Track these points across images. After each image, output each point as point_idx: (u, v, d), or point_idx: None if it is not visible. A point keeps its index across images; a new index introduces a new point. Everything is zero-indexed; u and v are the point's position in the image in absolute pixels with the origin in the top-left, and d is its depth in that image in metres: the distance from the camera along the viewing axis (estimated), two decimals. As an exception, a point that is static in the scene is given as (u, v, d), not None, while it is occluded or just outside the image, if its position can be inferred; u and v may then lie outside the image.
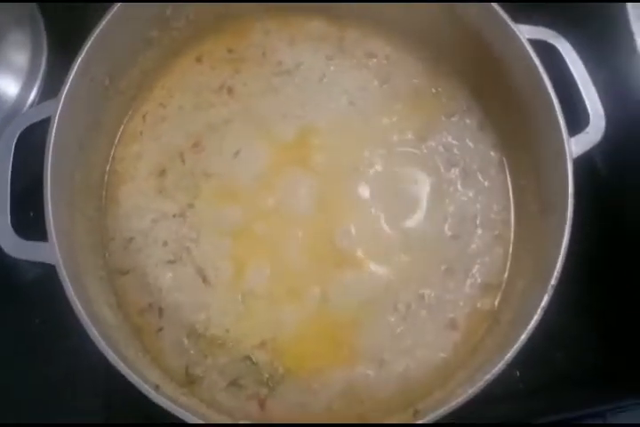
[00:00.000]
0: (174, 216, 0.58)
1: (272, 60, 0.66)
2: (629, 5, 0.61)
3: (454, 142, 0.63)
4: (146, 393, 0.42)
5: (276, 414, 0.52)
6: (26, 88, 0.64)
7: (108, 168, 0.60)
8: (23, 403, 0.61)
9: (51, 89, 0.65)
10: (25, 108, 0.63)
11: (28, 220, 0.51)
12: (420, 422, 0.44)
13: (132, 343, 0.52)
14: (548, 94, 0.55)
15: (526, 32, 0.57)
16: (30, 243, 0.48)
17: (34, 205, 0.49)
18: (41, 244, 0.47)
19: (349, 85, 0.65)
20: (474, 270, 0.58)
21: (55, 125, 0.49)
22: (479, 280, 0.57)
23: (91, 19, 0.73)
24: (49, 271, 0.60)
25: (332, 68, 0.66)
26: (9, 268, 0.66)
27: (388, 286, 0.56)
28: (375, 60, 0.67)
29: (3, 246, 0.47)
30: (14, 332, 0.63)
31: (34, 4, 0.69)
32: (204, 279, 0.56)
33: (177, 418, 0.44)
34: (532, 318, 0.47)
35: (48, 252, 0.46)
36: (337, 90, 0.65)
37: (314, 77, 0.65)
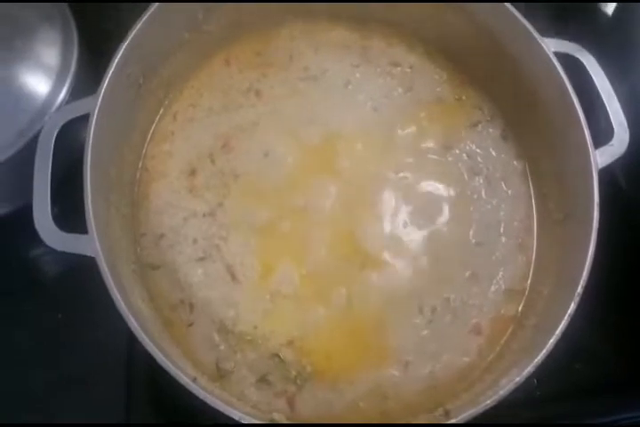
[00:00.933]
0: (204, 215, 0.59)
1: (298, 66, 0.67)
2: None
3: (478, 151, 0.64)
4: (185, 385, 0.42)
5: (304, 411, 0.52)
6: (56, 86, 0.64)
7: (140, 165, 0.61)
8: (44, 399, 0.60)
9: (81, 88, 0.65)
10: (55, 107, 0.63)
11: (65, 212, 0.51)
12: (451, 421, 0.45)
13: (165, 337, 0.52)
14: (575, 108, 0.56)
15: (552, 45, 0.58)
16: (71, 235, 0.48)
17: (70, 198, 0.49)
18: (80, 236, 0.47)
19: (374, 92, 0.66)
20: (498, 277, 0.58)
21: (94, 122, 0.50)
22: (503, 287, 0.58)
23: (121, 18, 0.75)
24: (72, 266, 0.61)
25: (357, 75, 0.67)
26: (30, 263, 0.67)
27: (413, 289, 0.57)
28: (399, 68, 0.68)
29: (45, 239, 0.48)
30: (36, 326, 0.63)
31: (63, 2, 0.69)
32: (233, 277, 0.56)
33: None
34: (559, 323, 0.47)
35: (87, 244, 0.46)
36: (362, 96, 0.66)
37: (339, 83, 0.66)
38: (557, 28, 0.82)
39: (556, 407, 0.62)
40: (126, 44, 0.54)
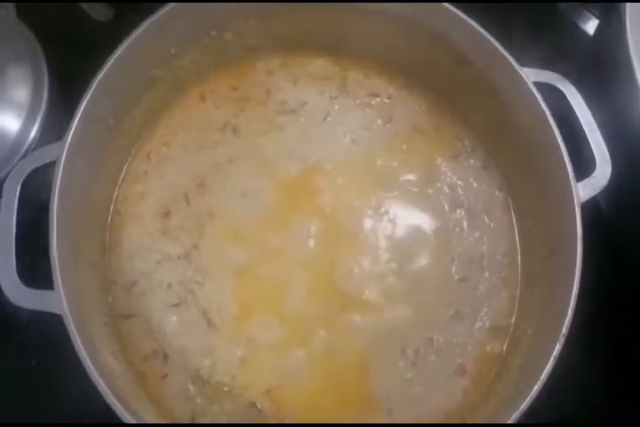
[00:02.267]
0: (179, 258, 0.57)
1: (276, 99, 0.66)
2: (632, 50, 0.61)
3: (459, 183, 0.63)
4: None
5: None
6: (27, 124, 0.63)
7: (111, 209, 0.59)
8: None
9: (52, 125, 0.64)
10: (26, 145, 0.62)
11: (31, 263, 0.50)
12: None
13: (137, 392, 0.50)
14: (556, 140, 0.55)
15: (532, 75, 0.57)
16: (36, 292, 0.46)
17: (37, 246, 0.48)
18: (46, 292, 0.45)
19: (353, 125, 0.65)
20: (482, 314, 0.57)
21: (61, 170, 0.48)
22: (487, 324, 0.57)
23: (93, 54, 0.74)
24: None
25: (335, 107, 0.66)
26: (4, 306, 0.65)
27: (395, 330, 0.56)
28: (378, 99, 0.67)
29: (9, 297, 0.46)
30: (10, 373, 0.61)
31: (34, 39, 0.68)
32: (209, 323, 0.55)
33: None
34: (543, 367, 0.46)
35: (54, 301, 0.44)
36: (341, 129, 0.65)
37: (318, 117, 0.65)
38: (535, 48, 0.82)
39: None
40: (93, 87, 0.52)
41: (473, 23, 0.58)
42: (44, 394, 0.60)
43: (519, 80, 0.57)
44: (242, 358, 0.54)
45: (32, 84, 0.65)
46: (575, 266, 0.50)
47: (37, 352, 0.61)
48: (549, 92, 0.58)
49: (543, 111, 0.56)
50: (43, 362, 0.61)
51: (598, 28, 0.79)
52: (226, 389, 0.53)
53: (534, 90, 0.57)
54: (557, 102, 0.58)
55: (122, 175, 0.60)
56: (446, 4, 0.57)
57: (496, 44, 0.58)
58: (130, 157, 0.61)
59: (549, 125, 0.55)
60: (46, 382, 0.60)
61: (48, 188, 0.49)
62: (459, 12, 0.58)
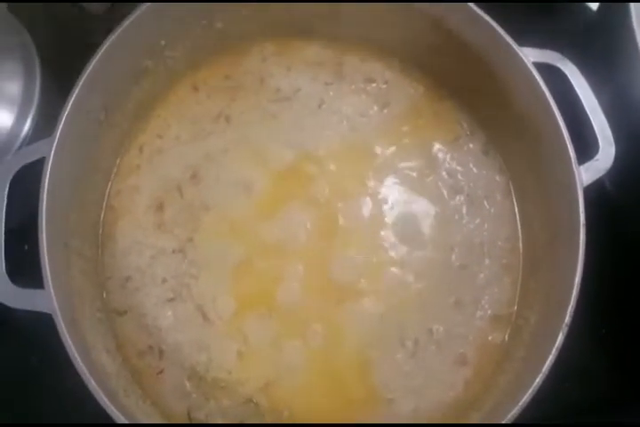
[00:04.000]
0: (173, 252, 0.57)
1: (270, 87, 0.64)
2: (636, 26, 0.59)
3: (458, 168, 0.62)
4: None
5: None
6: (19, 119, 0.62)
7: (104, 204, 0.58)
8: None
9: (45, 119, 0.63)
10: (19, 140, 0.61)
11: (19, 263, 0.49)
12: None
13: (132, 389, 0.50)
14: (557, 122, 0.53)
15: (531, 55, 0.56)
16: (26, 291, 0.46)
17: (27, 244, 0.47)
18: (37, 291, 0.45)
19: (349, 111, 0.64)
20: (483, 302, 0.56)
21: (49, 168, 0.48)
22: (489, 312, 0.56)
23: (86, 47, 0.73)
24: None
25: (330, 93, 0.64)
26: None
27: (393, 321, 0.55)
28: (374, 84, 0.65)
29: (-2, 296, 0.46)
30: (5, 373, 0.61)
31: (25, 32, 0.67)
32: (205, 318, 0.54)
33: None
34: (546, 358, 0.45)
35: (44, 300, 0.44)
36: (337, 116, 0.64)
37: (313, 104, 0.64)
38: (535, 26, 0.79)
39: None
40: (82, 80, 0.51)
41: (469, 3, 0.56)
42: (40, 393, 0.60)
43: (518, 61, 0.55)
44: (238, 353, 0.53)
45: (24, 77, 0.64)
46: (578, 253, 0.49)
47: (33, 351, 0.61)
48: (549, 71, 0.56)
49: (543, 92, 0.54)
50: (38, 361, 0.61)
51: (602, 5, 0.76)
52: (222, 384, 0.52)
53: (534, 70, 0.55)
54: (558, 82, 0.56)
55: (114, 169, 0.60)
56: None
57: (493, 23, 0.56)
58: (122, 151, 0.60)
59: (550, 107, 0.54)
60: (42, 381, 0.60)
61: (36, 185, 0.48)
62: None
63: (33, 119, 0.62)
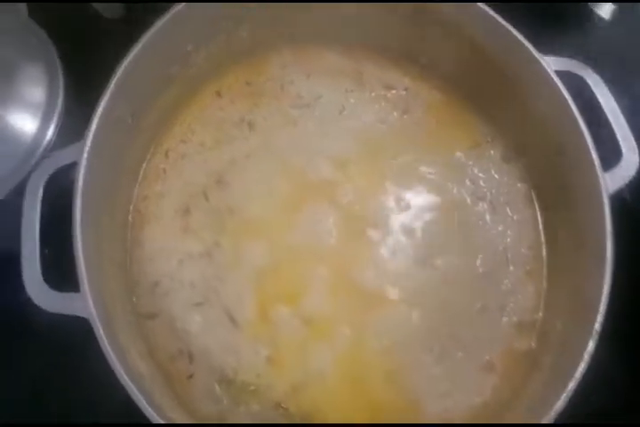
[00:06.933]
0: (200, 256, 0.57)
1: (291, 94, 0.65)
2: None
3: (480, 175, 0.62)
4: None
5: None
6: (43, 124, 0.62)
7: (131, 208, 0.58)
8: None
9: (69, 125, 0.63)
10: (43, 145, 0.61)
11: (54, 264, 0.49)
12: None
13: (166, 392, 0.50)
14: (580, 130, 0.54)
15: (553, 64, 0.56)
16: (62, 295, 0.46)
17: (60, 247, 0.47)
18: (73, 295, 0.45)
19: (369, 118, 0.65)
20: (508, 308, 0.56)
21: (82, 171, 0.48)
22: (514, 319, 0.56)
23: (106, 51, 0.74)
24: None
25: (351, 100, 0.65)
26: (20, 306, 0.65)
27: (421, 326, 0.55)
28: (394, 91, 0.66)
29: (35, 300, 0.45)
30: (32, 375, 0.60)
31: (47, 38, 0.67)
32: (233, 321, 0.55)
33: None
34: (577, 364, 0.45)
35: (80, 303, 0.44)
36: (357, 123, 0.64)
37: (333, 110, 0.65)
38: (550, 35, 0.80)
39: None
40: (111, 86, 0.51)
41: (489, 10, 0.57)
42: (67, 395, 0.60)
43: (540, 69, 0.56)
44: (266, 357, 0.53)
45: (47, 83, 0.64)
46: (605, 260, 0.49)
47: (60, 353, 0.61)
48: (566, 77, 0.57)
49: (566, 101, 0.55)
50: (66, 364, 0.60)
51: (614, 13, 0.77)
52: (252, 388, 0.52)
53: (556, 79, 0.56)
54: (576, 89, 0.57)
55: (141, 174, 0.60)
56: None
57: (515, 32, 0.57)
58: (148, 156, 0.61)
59: (573, 115, 0.55)
60: (70, 383, 0.60)
61: (66, 189, 0.48)
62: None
63: (56, 125, 0.62)
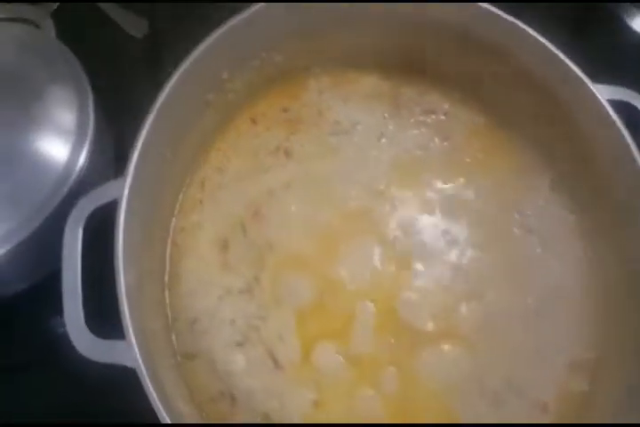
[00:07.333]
0: (240, 292, 0.55)
1: (328, 120, 0.63)
2: None
3: (525, 203, 0.60)
4: None
5: None
6: (75, 150, 0.61)
7: (169, 240, 0.57)
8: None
9: (99, 149, 0.62)
10: (76, 172, 0.60)
11: (95, 306, 0.47)
12: None
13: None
14: (635, 160, 0.52)
15: (605, 92, 0.54)
16: (106, 342, 0.43)
17: (100, 288, 0.45)
18: (117, 343, 0.43)
19: (409, 144, 0.63)
20: (560, 348, 0.54)
21: (123, 210, 0.46)
22: (568, 359, 0.54)
23: (132, 72, 0.72)
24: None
25: (390, 126, 0.63)
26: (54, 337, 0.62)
27: (471, 369, 0.53)
28: (434, 116, 0.64)
29: (79, 349, 0.43)
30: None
31: (75, 60, 0.66)
32: (275, 362, 0.53)
33: None
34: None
35: (126, 353, 0.42)
36: (397, 150, 0.62)
37: (372, 137, 0.63)
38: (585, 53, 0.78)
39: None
40: (151, 118, 0.50)
41: (534, 33, 0.55)
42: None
43: (591, 98, 0.54)
44: (311, 401, 0.51)
45: (77, 106, 0.62)
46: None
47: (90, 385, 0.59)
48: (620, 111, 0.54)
49: (619, 130, 0.53)
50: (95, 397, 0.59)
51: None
52: (296, 432, 0.50)
53: (609, 108, 0.54)
54: (630, 122, 0.55)
55: (177, 205, 0.58)
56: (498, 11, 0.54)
57: (566, 59, 0.55)
58: (184, 186, 0.59)
59: (626, 145, 0.53)
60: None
61: (102, 220, 0.47)
62: (518, 23, 0.55)
63: (88, 150, 0.61)
